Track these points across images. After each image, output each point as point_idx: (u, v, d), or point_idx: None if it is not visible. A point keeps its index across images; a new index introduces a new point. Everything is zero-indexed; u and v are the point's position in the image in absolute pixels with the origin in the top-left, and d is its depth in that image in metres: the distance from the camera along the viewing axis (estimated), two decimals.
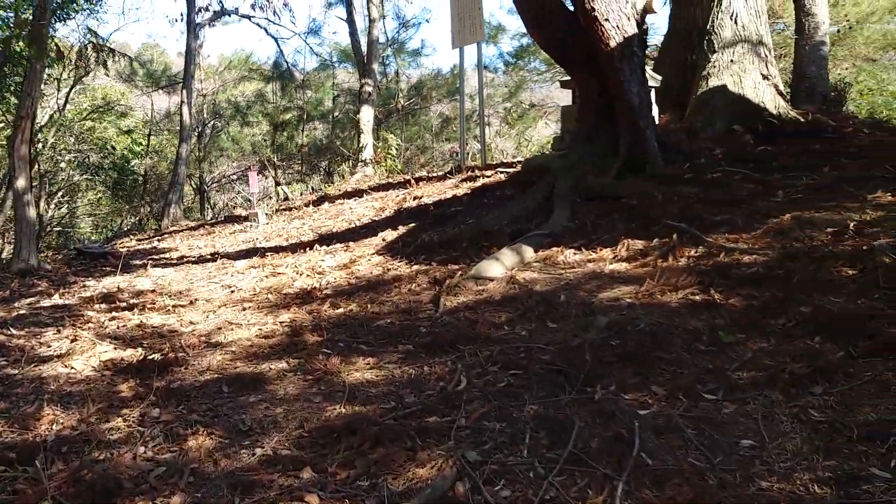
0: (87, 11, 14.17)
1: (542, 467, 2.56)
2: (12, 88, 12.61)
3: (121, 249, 10.39)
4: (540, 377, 3.33)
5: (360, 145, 16.43)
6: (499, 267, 5.21)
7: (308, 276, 6.18)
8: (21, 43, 8.11)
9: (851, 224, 4.63)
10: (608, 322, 3.82)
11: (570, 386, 3.21)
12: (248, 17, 19.85)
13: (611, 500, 2.34)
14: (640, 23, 6.84)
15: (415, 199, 9.36)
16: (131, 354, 4.26)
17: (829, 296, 3.78)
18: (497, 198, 8.03)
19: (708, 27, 8.72)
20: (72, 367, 4.10)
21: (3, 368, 4.14)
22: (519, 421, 2.93)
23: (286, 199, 14.87)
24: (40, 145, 17.14)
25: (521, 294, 4.64)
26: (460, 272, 5.29)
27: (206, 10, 17.93)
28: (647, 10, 7.00)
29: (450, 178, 10.31)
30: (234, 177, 24.25)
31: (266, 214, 11.39)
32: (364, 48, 17.48)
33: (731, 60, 8.50)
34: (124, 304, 5.78)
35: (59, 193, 20.11)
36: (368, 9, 17.53)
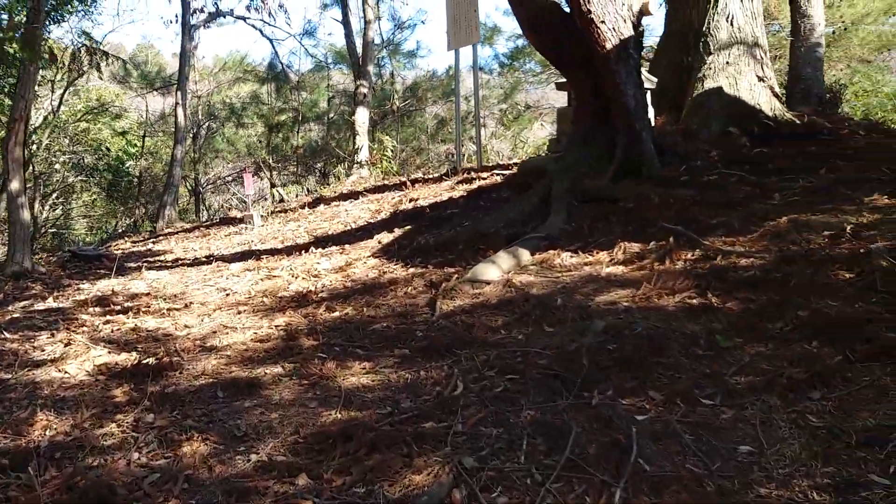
0: (82, 12, 14.13)
1: (540, 474, 2.55)
2: (6, 90, 12.56)
3: (115, 252, 10.35)
4: (537, 382, 3.31)
5: (356, 147, 16.42)
6: (495, 270, 5.19)
7: (304, 278, 6.16)
8: (14, 45, 8.07)
9: (848, 227, 4.62)
10: (605, 326, 3.81)
11: (567, 391, 3.20)
12: (243, 19, 19.82)
13: None
14: (637, 25, 6.84)
15: (410, 201, 9.34)
16: (126, 359, 4.24)
17: (827, 299, 3.77)
18: (493, 200, 8.02)
19: (704, 29, 8.71)
20: (66, 372, 4.07)
21: None
22: (516, 426, 2.91)
23: (281, 200, 14.85)
24: (35, 147, 17.09)
25: (517, 298, 4.63)
26: (456, 275, 5.27)
27: (201, 11, 17.86)
28: (644, 12, 6.99)
29: (446, 180, 10.30)
30: (230, 178, 24.22)
31: (261, 216, 11.37)
32: (359, 49, 17.45)
33: (727, 62, 8.49)
34: (119, 307, 5.76)
35: (54, 195, 20.07)
36: (364, 10, 17.53)
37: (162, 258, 9.26)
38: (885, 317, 3.41)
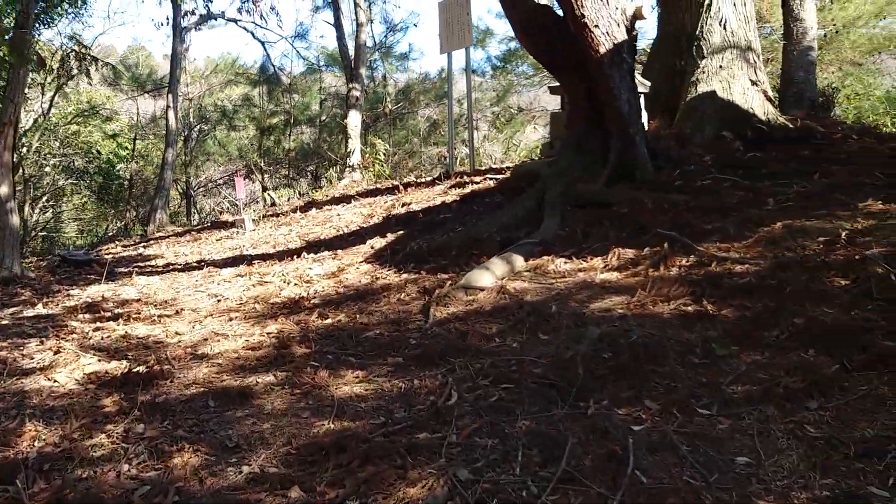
0: (72, 15, 14.04)
1: (535, 486, 2.51)
2: None
3: (106, 256, 10.29)
4: (532, 391, 3.28)
5: (348, 150, 16.38)
6: (489, 276, 5.16)
7: (296, 284, 6.12)
8: (3, 49, 8.00)
9: (843, 233, 4.61)
10: (600, 334, 3.78)
11: (562, 400, 3.17)
12: (235, 21, 19.78)
13: None
14: (630, 29, 6.81)
15: (403, 205, 9.31)
16: (116, 367, 4.19)
17: (823, 306, 3.75)
18: (486, 205, 8.00)
19: (697, 33, 8.70)
20: (55, 381, 4.02)
21: None
22: (511, 437, 2.88)
23: (273, 204, 14.79)
24: (25, 149, 17.00)
25: (511, 304, 4.60)
26: (450, 282, 5.24)
27: (192, 13, 17.81)
28: (637, 16, 6.97)
29: (438, 184, 10.27)
30: (221, 181, 24.12)
31: (253, 220, 11.33)
32: (351, 52, 17.42)
33: (720, 66, 8.49)
34: (109, 313, 5.71)
35: (44, 198, 19.96)
36: (356, 13, 17.50)
37: (153, 263, 9.20)
38: (882, 325, 3.39)
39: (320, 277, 6.30)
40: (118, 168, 20.87)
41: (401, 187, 10.86)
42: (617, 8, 6.55)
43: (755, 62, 8.65)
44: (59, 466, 2.93)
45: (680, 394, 3.11)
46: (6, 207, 8.11)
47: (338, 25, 17.97)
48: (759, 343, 3.53)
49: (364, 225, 8.87)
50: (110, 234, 19.16)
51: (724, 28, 8.58)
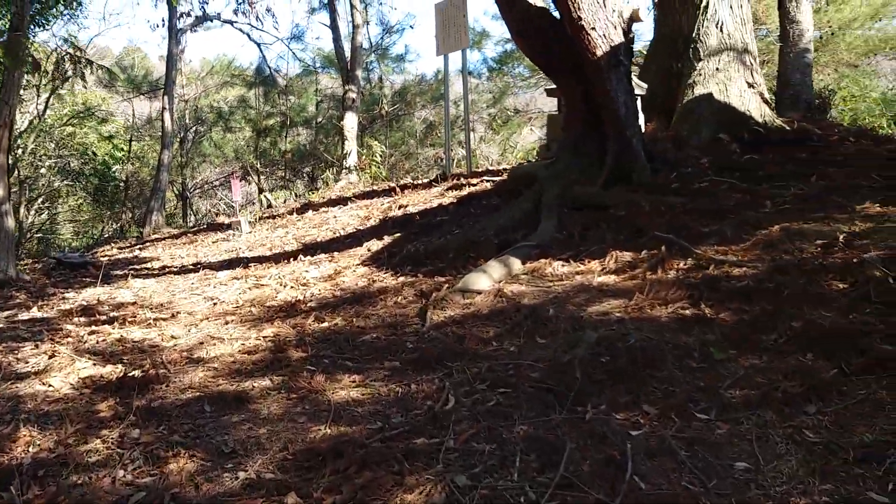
0: (67, 16, 14.01)
1: (533, 492, 2.50)
2: None
3: (101, 258, 10.26)
4: (529, 396, 3.27)
5: (344, 152, 16.37)
6: (486, 279, 5.15)
7: (292, 287, 6.10)
8: None
9: (841, 236, 4.60)
10: (598, 338, 3.76)
11: (560, 405, 3.15)
12: (231, 23, 19.75)
13: None
14: (627, 31, 6.81)
15: (400, 207, 9.30)
16: (111, 371, 4.17)
17: (821, 310, 3.74)
18: (483, 207, 7.99)
19: (693, 35, 8.71)
20: (50, 385, 4.00)
21: None
22: (508, 442, 2.86)
23: (269, 206, 14.77)
24: (20, 151, 16.95)
25: (508, 308, 4.58)
26: (447, 285, 5.23)
27: (188, 15, 17.80)
28: (634, 18, 6.97)
29: (435, 186, 10.26)
30: (217, 183, 24.10)
31: (249, 222, 11.30)
32: (348, 54, 17.40)
33: (717, 68, 8.49)
34: (104, 317, 5.68)
35: (40, 200, 19.92)
36: (352, 15, 17.48)
37: (148, 265, 9.18)
38: (880, 328, 3.38)
39: (317, 280, 6.28)
40: (114, 170, 20.83)
41: (397, 189, 10.84)
42: (614, 10, 6.54)
43: (752, 64, 8.65)
44: (54, 472, 2.91)
45: (678, 398, 3.10)
46: (1, 210, 8.07)
47: (334, 27, 17.95)
48: (757, 347, 3.52)
49: (361, 227, 8.85)
50: (106, 236, 19.10)
51: (721, 30, 8.59)
